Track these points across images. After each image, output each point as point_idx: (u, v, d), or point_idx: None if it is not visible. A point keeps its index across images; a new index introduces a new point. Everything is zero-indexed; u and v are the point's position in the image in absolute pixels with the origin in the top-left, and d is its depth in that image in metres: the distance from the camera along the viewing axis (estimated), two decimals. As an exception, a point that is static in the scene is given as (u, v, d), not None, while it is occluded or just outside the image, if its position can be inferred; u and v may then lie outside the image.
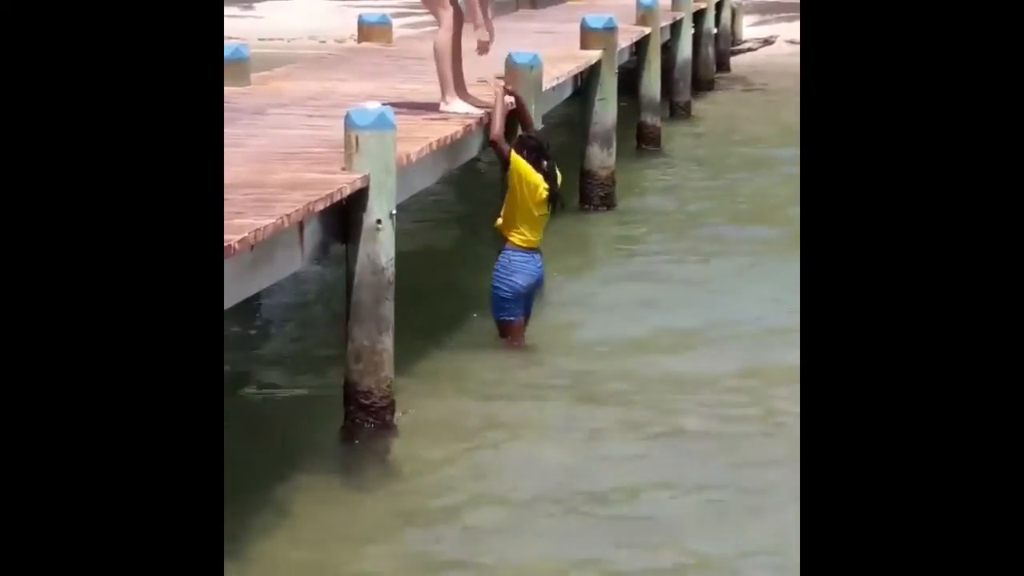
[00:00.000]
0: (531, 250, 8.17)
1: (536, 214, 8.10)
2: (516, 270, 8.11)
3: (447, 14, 8.51)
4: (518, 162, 8.03)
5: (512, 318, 8.18)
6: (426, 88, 9.15)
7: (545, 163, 8.11)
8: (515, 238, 8.13)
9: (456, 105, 8.58)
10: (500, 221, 8.21)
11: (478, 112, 8.56)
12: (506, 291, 8.13)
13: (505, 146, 8.25)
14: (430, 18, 10.65)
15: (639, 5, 15.32)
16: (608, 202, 12.19)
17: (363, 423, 6.62)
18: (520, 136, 8.41)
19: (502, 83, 8.77)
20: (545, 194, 8.05)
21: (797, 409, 3.47)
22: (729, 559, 5.69)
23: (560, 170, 8.33)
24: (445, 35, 8.54)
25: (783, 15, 24.77)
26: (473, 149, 8.64)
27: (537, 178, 8.02)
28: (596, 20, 12.39)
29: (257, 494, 6.07)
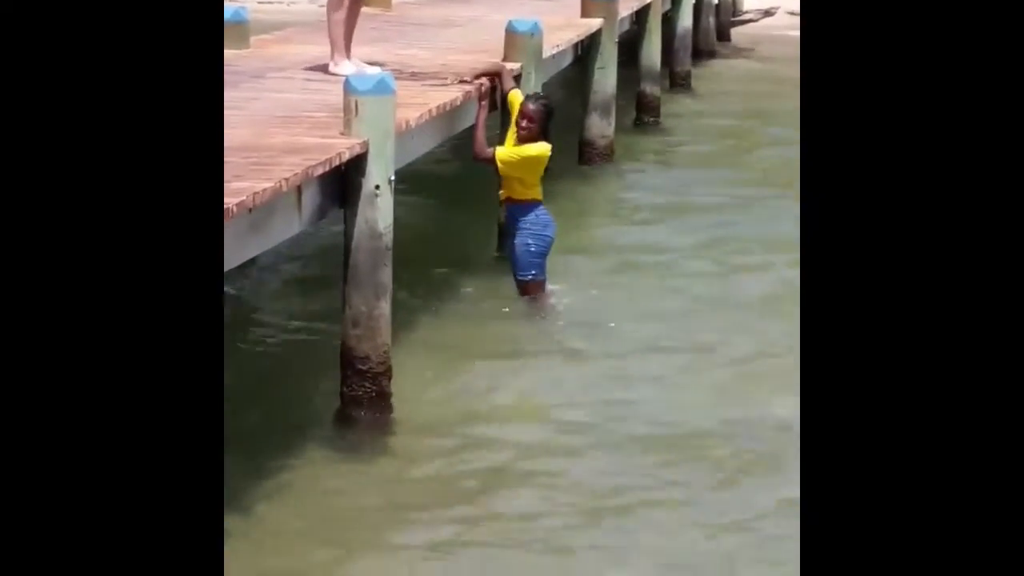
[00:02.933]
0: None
1: (541, 173, 8.34)
2: (548, 223, 8.34)
3: None
4: (521, 151, 8.14)
5: (542, 275, 8.36)
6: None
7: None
8: (535, 193, 8.31)
9: (344, 66, 8.52)
10: (511, 186, 8.26)
11: (372, 71, 8.50)
12: (541, 246, 8.31)
13: (488, 153, 8.26)
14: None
15: (640, -26, 15.25)
16: (607, 166, 12.20)
17: (360, 389, 6.62)
18: (537, 99, 8.40)
19: (474, 85, 8.51)
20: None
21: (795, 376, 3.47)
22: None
23: (560, 139, 8.38)
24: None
25: (784, -14, 24.68)
26: (472, 116, 8.61)
27: (546, 149, 8.19)
28: (597, -12, 12.34)
29: (255, 460, 6.08)
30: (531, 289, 8.34)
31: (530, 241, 8.30)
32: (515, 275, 8.37)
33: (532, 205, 8.31)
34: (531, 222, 8.28)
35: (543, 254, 8.35)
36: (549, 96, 8.68)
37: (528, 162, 8.19)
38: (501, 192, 8.41)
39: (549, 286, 8.47)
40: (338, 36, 8.57)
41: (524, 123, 8.16)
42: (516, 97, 8.52)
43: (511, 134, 8.36)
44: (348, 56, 8.61)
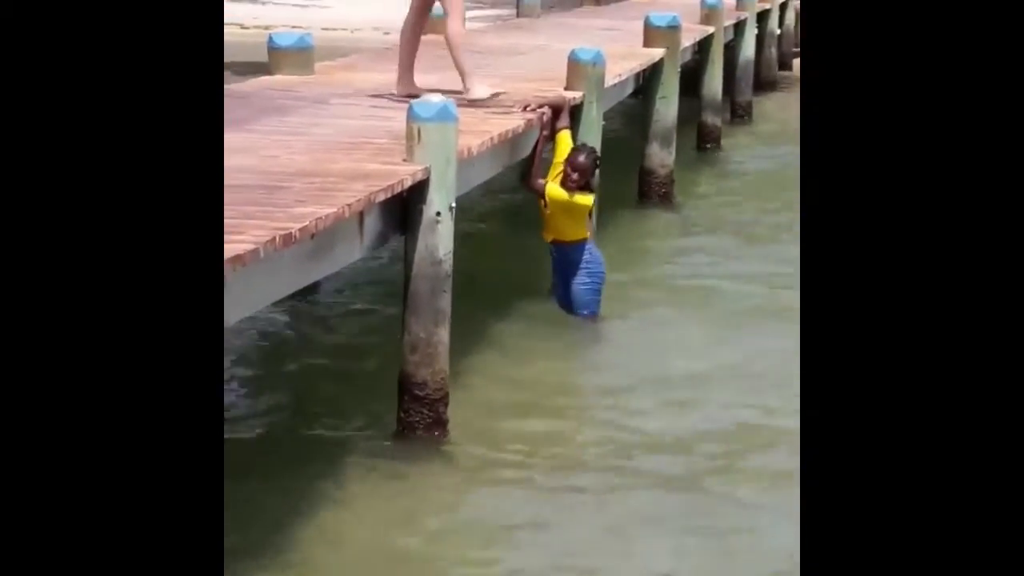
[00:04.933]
0: None
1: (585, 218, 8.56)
2: (600, 259, 8.55)
3: (457, 2, 8.49)
4: (571, 197, 8.29)
5: (599, 310, 8.55)
6: (488, 82, 9.15)
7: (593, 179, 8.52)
8: (583, 232, 8.48)
9: (479, 90, 8.57)
10: (557, 228, 8.41)
11: (502, 91, 8.53)
12: (597, 282, 8.51)
13: (539, 186, 8.40)
14: (495, 12, 10.68)
15: (703, 4, 15.27)
16: (666, 201, 12.20)
17: (417, 415, 6.64)
18: (589, 153, 8.49)
19: (536, 114, 8.54)
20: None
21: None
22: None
23: (620, 168, 8.46)
24: (458, 23, 8.53)
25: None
26: (532, 143, 8.64)
27: (589, 199, 8.42)
28: (660, 18, 12.36)
29: (311, 485, 6.12)
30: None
31: (587, 280, 8.48)
32: (572, 312, 8.50)
33: (581, 244, 8.46)
34: (586, 260, 8.45)
35: (598, 290, 8.52)
36: (595, 149, 8.74)
37: (574, 209, 8.37)
38: (546, 234, 8.50)
39: (604, 319, 8.55)
40: (466, 63, 8.57)
41: (575, 176, 8.31)
42: (565, 138, 8.62)
43: (554, 171, 8.44)
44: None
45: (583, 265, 8.44)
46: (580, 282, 8.46)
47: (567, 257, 8.46)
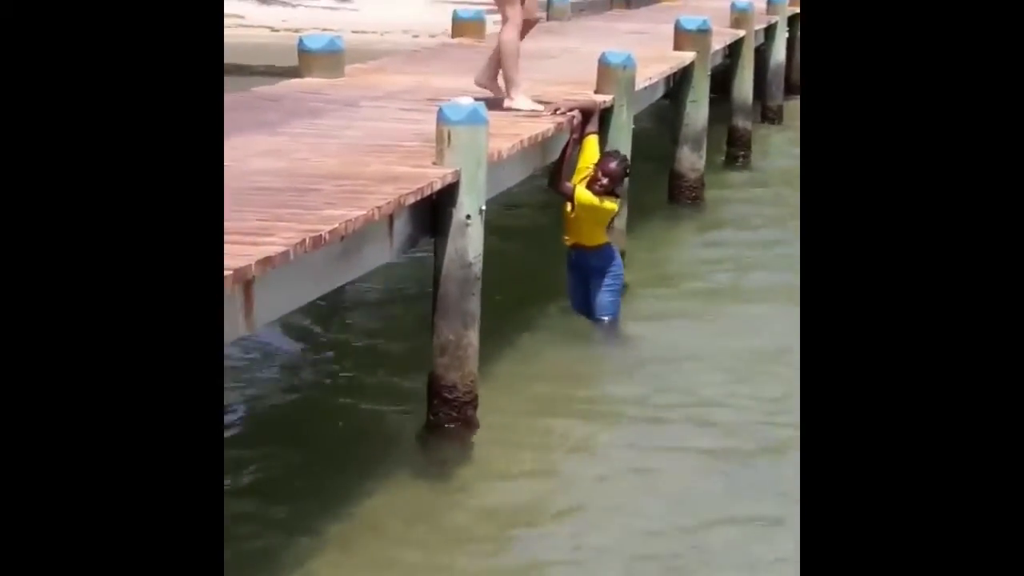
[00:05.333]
0: None
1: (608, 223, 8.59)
2: (620, 263, 8.60)
3: (515, 11, 8.47)
4: (599, 201, 8.30)
5: (618, 313, 8.57)
6: (525, 87, 9.14)
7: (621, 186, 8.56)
8: (603, 237, 8.51)
9: (521, 102, 8.55)
10: (580, 232, 8.44)
11: (541, 108, 8.52)
12: (616, 285, 8.56)
13: (568, 189, 8.41)
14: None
15: (734, 7, 15.23)
16: (697, 203, 12.18)
17: (446, 417, 6.64)
18: (621, 160, 8.49)
19: (566, 117, 8.50)
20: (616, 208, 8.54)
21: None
22: None
23: (650, 171, 8.46)
24: (513, 32, 8.49)
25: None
26: (562, 147, 8.63)
27: (615, 204, 8.44)
28: (690, 22, 12.34)
29: (341, 486, 6.13)
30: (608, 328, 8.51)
31: (608, 282, 8.50)
32: (591, 316, 8.51)
33: (602, 248, 8.49)
34: (605, 265, 8.48)
35: (618, 292, 8.57)
36: (626, 157, 8.73)
37: (601, 213, 8.38)
38: (567, 238, 8.51)
39: (631, 324, 8.55)
40: (514, 72, 8.53)
41: (605, 181, 8.31)
42: (592, 143, 8.61)
43: (579, 175, 8.45)
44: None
45: (603, 269, 8.46)
46: (599, 286, 8.48)
47: (587, 261, 8.48)
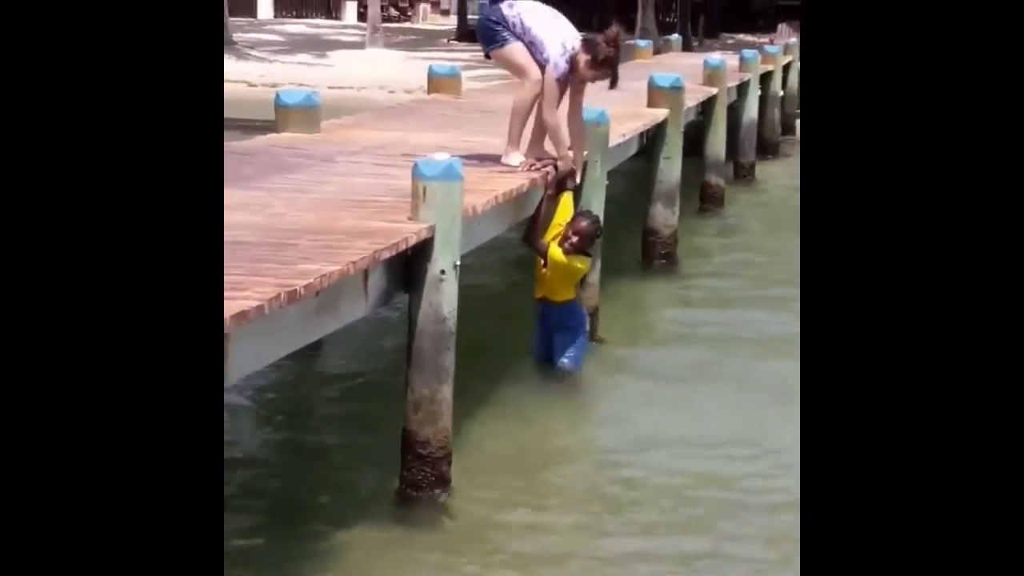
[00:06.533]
0: None
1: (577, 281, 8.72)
2: (585, 319, 8.74)
3: (533, 73, 8.51)
4: (571, 260, 8.41)
5: (579, 368, 8.65)
6: (494, 141, 9.20)
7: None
8: (572, 294, 8.63)
9: (514, 158, 8.63)
10: (549, 287, 8.55)
11: (539, 166, 8.59)
12: (582, 341, 8.70)
13: (543, 246, 8.52)
14: (499, 72, 10.70)
15: (706, 65, 15.37)
16: (670, 260, 12.23)
17: (420, 473, 6.62)
18: (593, 220, 8.59)
19: (540, 173, 8.58)
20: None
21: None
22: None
23: (624, 227, 8.52)
24: (528, 94, 8.53)
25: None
26: (537, 203, 8.68)
27: (586, 263, 8.59)
28: (663, 79, 12.44)
29: (313, 541, 6.10)
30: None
31: (569, 338, 8.61)
32: (555, 368, 8.60)
33: (567, 304, 8.61)
34: (573, 320, 8.60)
35: (582, 347, 8.68)
36: (598, 218, 8.81)
37: (571, 272, 8.50)
38: (536, 290, 8.61)
39: (604, 378, 8.61)
40: (517, 131, 8.64)
41: (575, 240, 8.41)
42: (567, 200, 8.68)
43: (551, 232, 8.52)
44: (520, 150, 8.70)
45: (566, 324, 8.59)
46: (562, 340, 8.60)
47: (552, 316, 8.62)
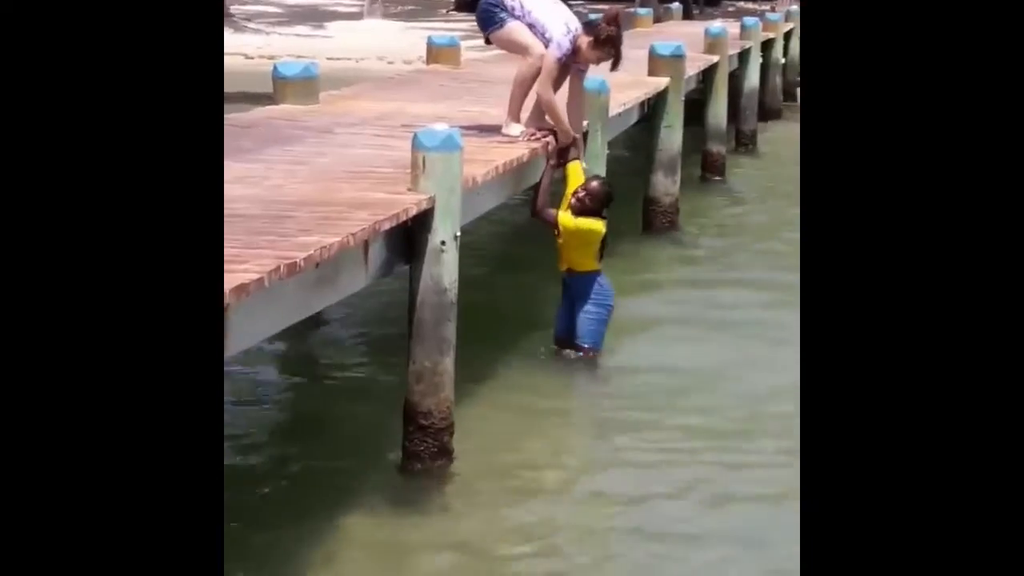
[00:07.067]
0: None
1: (596, 247, 8.45)
2: (609, 292, 8.46)
3: (536, 48, 8.44)
4: (579, 222, 8.26)
5: (601, 343, 8.44)
6: (493, 111, 9.17)
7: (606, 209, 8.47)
8: (594, 264, 8.42)
9: (514, 129, 8.57)
10: (570, 258, 8.37)
11: (539, 135, 8.54)
12: (603, 315, 8.42)
13: (549, 215, 8.37)
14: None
15: (707, 33, 15.31)
16: (671, 228, 12.20)
17: (422, 444, 6.62)
18: (604, 182, 8.51)
19: (540, 143, 8.54)
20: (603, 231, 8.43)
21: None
22: None
23: (625, 196, 8.43)
24: (531, 68, 8.46)
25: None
26: (538, 173, 8.65)
27: (600, 225, 8.35)
28: (664, 47, 12.39)
29: (315, 514, 6.09)
30: (589, 356, 8.41)
31: (593, 310, 8.38)
32: (574, 342, 8.42)
33: (593, 275, 8.40)
34: (595, 292, 8.37)
35: (604, 322, 8.44)
36: (609, 183, 8.69)
37: (584, 234, 8.30)
38: (560, 264, 8.45)
39: (609, 350, 8.51)
40: (518, 103, 8.57)
41: (583, 195, 8.29)
42: (576, 169, 8.56)
43: (564, 203, 8.43)
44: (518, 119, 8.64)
45: (588, 296, 8.37)
46: (587, 312, 8.37)
47: (577, 287, 8.40)
